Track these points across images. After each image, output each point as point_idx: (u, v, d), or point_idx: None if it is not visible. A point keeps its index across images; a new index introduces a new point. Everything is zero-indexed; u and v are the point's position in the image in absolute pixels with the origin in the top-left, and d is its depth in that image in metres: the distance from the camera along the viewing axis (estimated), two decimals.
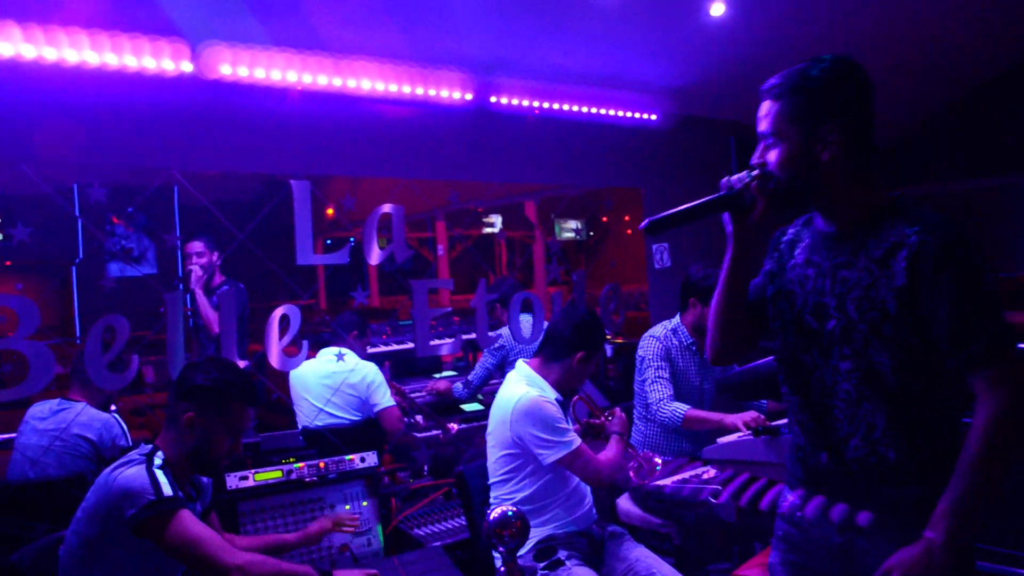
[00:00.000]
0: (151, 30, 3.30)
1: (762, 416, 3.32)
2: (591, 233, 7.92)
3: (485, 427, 3.01)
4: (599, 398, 4.06)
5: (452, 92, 4.16)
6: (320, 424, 4.02)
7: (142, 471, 2.16)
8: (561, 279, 5.18)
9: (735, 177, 1.72)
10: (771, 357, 2.58)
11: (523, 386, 2.88)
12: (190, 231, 4.62)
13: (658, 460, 3.07)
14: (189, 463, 2.31)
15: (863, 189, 1.69)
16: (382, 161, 4.21)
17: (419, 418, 4.48)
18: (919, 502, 1.59)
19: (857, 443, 1.68)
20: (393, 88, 3.96)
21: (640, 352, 3.73)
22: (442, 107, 4.21)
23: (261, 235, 3.84)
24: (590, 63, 4.66)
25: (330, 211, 5.77)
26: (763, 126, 1.72)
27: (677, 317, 3.78)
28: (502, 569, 1.83)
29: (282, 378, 4.23)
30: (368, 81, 3.86)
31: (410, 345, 4.68)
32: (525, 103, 4.51)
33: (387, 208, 3.85)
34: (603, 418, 3.02)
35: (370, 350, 4.81)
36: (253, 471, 2.99)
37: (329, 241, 8.11)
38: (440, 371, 5.35)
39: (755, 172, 1.71)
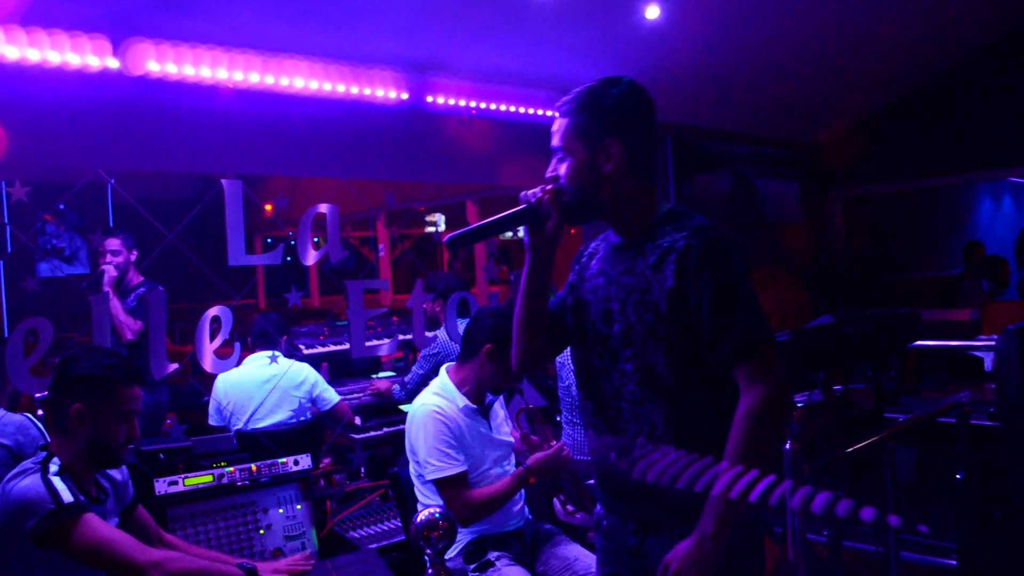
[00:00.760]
0: (71, 26, 3.20)
1: None
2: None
3: None
4: (537, 398, 4.08)
5: (387, 91, 4.13)
6: (259, 427, 3.97)
7: (37, 480, 2.09)
8: (500, 279, 5.19)
9: (531, 192, 1.80)
10: None
11: (428, 395, 2.88)
12: (124, 229, 4.48)
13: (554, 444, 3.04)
14: (88, 460, 2.24)
15: (642, 200, 1.81)
16: (316, 161, 4.16)
17: (357, 419, 4.45)
18: (701, 501, 1.67)
19: (642, 441, 1.77)
20: (327, 87, 3.91)
21: (559, 359, 3.75)
22: (377, 107, 4.17)
23: (194, 235, 3.76)
24: (526, 64, 4.68)
25: (269, 208, 5.69)
26: (555, 141, 1.83)
27: None
28: (430, 571, 1.82)
29: (211, 381, 4.15)
30: (301, 79, 3.81)
31: (347, 346, 4.64)
32: (461, 103, 4.50)
33: (322, 208, 3.82)
34: (539, 441, 2.98)
35: (306, 351, 4.76)
36: (183, 476, 2.93)
37: (269, 240, 7.99)
38: (378, 372, 5.31)
39: (548, 186, 1.80)
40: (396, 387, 4.70)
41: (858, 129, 7.43)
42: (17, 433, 3.15)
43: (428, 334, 4.30)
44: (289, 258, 3.91)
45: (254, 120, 3.87)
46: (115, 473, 2.41)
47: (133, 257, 4.37)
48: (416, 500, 2.93)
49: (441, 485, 2.72)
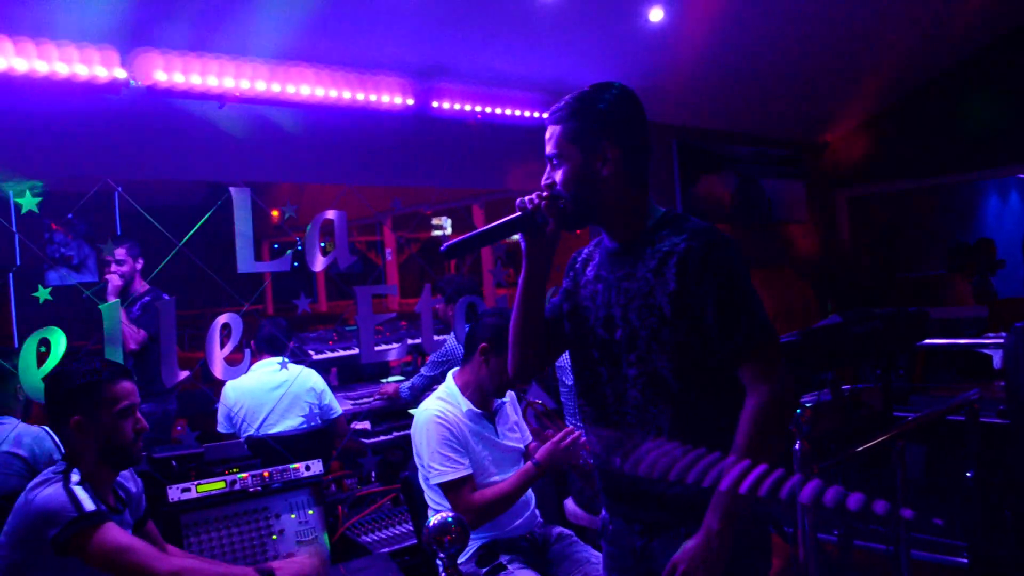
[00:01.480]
0: (80, 37, 3.23)
1: None
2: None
3: None
4: (545, 399, 4.09)
5: (393, 97, 4.14)
6: (270, 432, 3.99)
7: (60, 489, 2.12)
8: (507, 282, 5.20)
9: (527, 198, 1.81)
10: None
11: (433, 400, 2.90)
12: (133, 238, 4.50)
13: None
14: (106, 466, 2.27)
15: (639, 204, 1.82)
16: (323, 167, 4.18)
17: (366, 424, 4.47)
18: (705, 500, 1.68)
19: (648, 446, 1.76)
20: (333, 94, 3.93)
21: (560, 362, 3.76)
22: (383, 113, 4.19)
23: (202, 242, 3.78)
24: (531, 68, 4.69)
25: (275, 214, 5.71)
26: (549, 148, 1.83)
27: None
28: (443, 575, 1.84)
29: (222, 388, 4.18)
30: (307, 87, 3.83)
31: (356, 351, 4.66)
32: (467, 108, 4.51)
33: (330, 214, 3.84)
34: (552, 433, 2.93)
35: (315, 356, 4.78)
36: (195, 482, 2.96)
37: (276, 246, 8.02)
38: (387, 376, 5.33)
39: (544, 193, 1.80)
40: (404, 387, 4.70)
41: (864, 128, 7.42)
42: (33, 444, 3.19)
43: (437, 338, 4.32)
44: (296, 264, 3.93)
45: (261, 128, 3.89)
46: (130, 485, 2.44)
47: (139, 266, 4.38)
48: (427, 505, 2.95)
49: (446, 488, 2.74)
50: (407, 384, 4.67)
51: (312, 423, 4.11)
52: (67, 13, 3.12)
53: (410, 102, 4.24)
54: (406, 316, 5.27)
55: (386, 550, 3.15)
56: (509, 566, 2.75)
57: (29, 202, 3.25)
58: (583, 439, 2.80)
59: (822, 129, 7.44)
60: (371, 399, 4.70)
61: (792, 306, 6.32)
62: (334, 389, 4.86)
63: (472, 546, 2.79)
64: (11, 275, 4.98)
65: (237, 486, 3.02)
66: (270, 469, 3.09)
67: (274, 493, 3.08)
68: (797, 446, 2.35)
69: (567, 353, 3.68)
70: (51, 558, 2.08)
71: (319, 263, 3.79)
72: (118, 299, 4.18)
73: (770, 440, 1.67)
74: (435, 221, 8.45)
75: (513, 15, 4.17)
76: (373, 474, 4.07)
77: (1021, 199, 10.41)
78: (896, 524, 2.85)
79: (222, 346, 3.53)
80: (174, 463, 3.49)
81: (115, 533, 2.11)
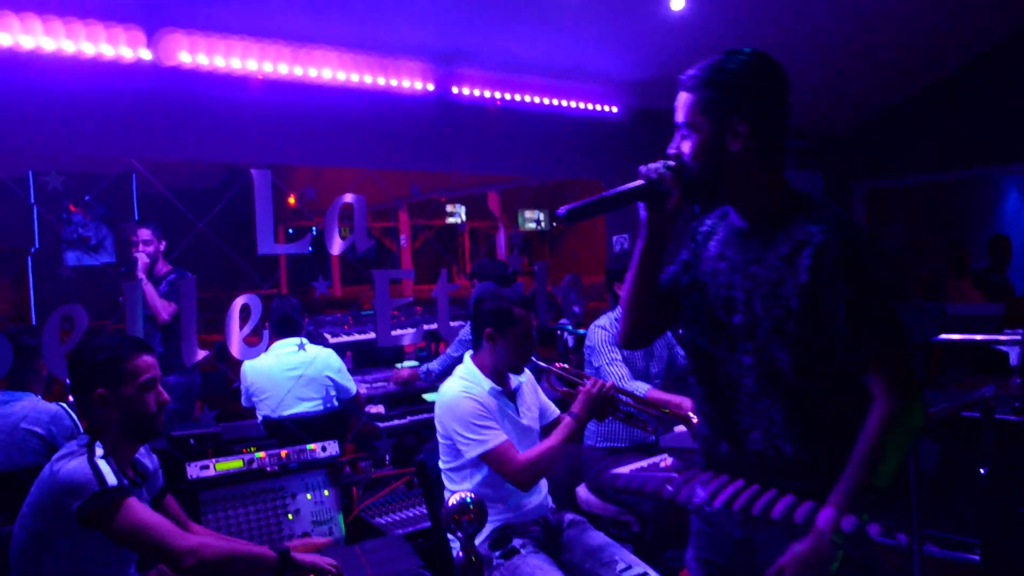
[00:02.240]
0: (107, 16, 3.25)
1: None
2: (554, 224, 7.96)
3: None
4: (559, 386, 4.11)
5: (413, 82, 4.16)
6: (286, 414, 4.02)
7: (84, 462, 2.15)
8: (523, 270, 5.22)
9: (652, 166, 1.74)
10: None
11: (455, 380, 2.91)
12: (150, 219, 4.56)
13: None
14: (128, 437, 2.29)
15: (771, 183, 1.72)
16: (343, 151, 4.20)
17: (381, 408, 4.50)
18: (813, 495, 1.60)
19: (757, 436, 1.71)
20: (354, 78, 3.95)
21: (589, 342, 3.79)
22: (403, 97, 4.21)
23: (222, 223, 3.82)
24: (551, 55, 4.69)
25: (292, 199, 5.74)
26: (679, 116, 1.73)
27: (619, 307, 3.85)
28: (460, 555, 1.86)
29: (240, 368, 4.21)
30: (329, 70, 3.85)
31: (372, 335, 4.68)
32: (487, 94, 4.52)
33: (348, 198, 3.85)
34: (577, 390, 2.89)
35: (332, 340, 4.81)
36: (214, 460, 3.00)
37: (291, 230, 8.04)
38: (402, 360, 5.36)
39: (670, 162, 1.73)
40: (423, 370, 4.71)
41: (882, 120, 7.37)
42: (51, 423, 3.22)
43: (453, 324, 4.34)
44: (311, 248, 3.95)
45: (283, 110, 3.92)
46: (146, 461, 2.47)
47: (162, 247, 4.45)
48: (443, 488, 2.97)
49: (489, 458, 2.73)
50: (432, 365, 4.64)
51: (328, 405, 4.14)
52: None
53: (430, 87, 4.25)
54: (420, 302, 5.30)
55: (400, 532, 3.17)
56: (522, 550, 2.77)
57: (54, 181, 3.28)
58: (610, 384, 2.84)
59: (841, 121, 7.40)
60: (386, 383, 4.72)
61: None
62: (350, 372, 4.90)
63: (486, 529, 2.81)
64: (30, 256, 5.04)
65: (255, 465, 3.05)
66: (287, 449, 3.13)
67: (291, 473, 3.12)
68: None
69: (596, 332, 3.74)
70: (73, 529, 2.11)
71: (337, 246, 3.82)
72: (142, 276, 4.24)
73: (895, 450, 1.59)
74: (449, 208, 8.45)
75: (534, 1, 4.16)
76: (387, 457, 4.10)
77: None
78: (909, 519, 2.86)
79: (241, 327, 3.56)
80: (192, 441, 3.54)
81: (137, 508, 2.14)
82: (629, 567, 2.71)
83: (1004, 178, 9.53)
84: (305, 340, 4.10)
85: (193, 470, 2.93)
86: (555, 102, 4.82)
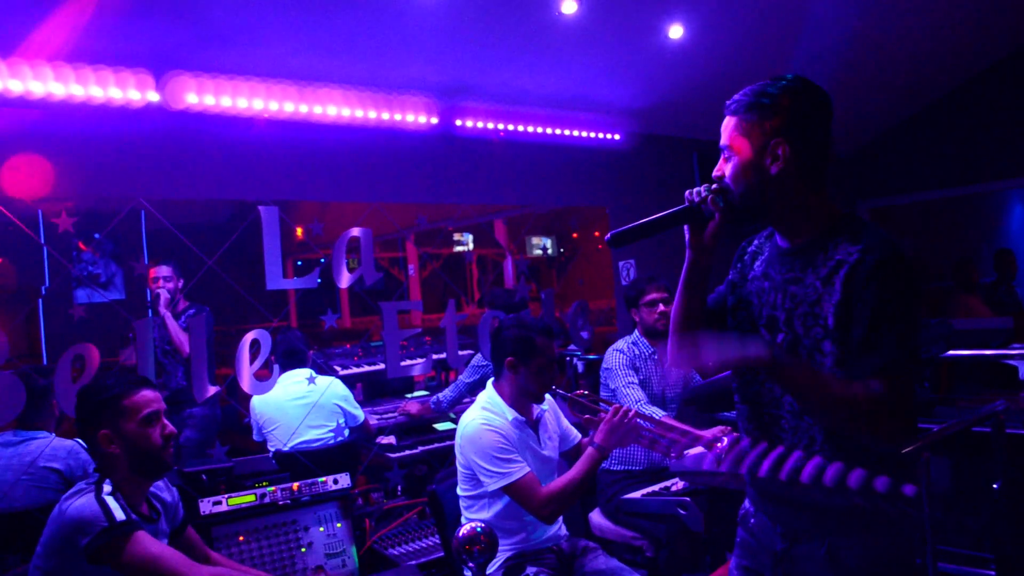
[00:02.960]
0: (115, 62, 3.33)
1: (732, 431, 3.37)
2: (561, 250, 8.00)
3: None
4: (568, 414, 4.12)
5: (417, 117, 4.22)
6: (296, 447, 4.04)
7: (91, 499, 2.17)
8: (530, 296, 5.24)
9: (695, 190, 1.77)
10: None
11: (477, 410, 2.92)
12: (158, 256, 4.63)
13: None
14: (138, 475, 2.31)
15: (813, 205, 1.74)
16: (350, 186, 4.26)
17: (392, 439, 4.51)
18: (854, 511, 1.65)
19: (800, 455, 1.71)
20: (359, 114, 4.01)
21: (606, 364, 3.81)
22: (408, 132, 4.27)
23: (230, 259, 3.86)
24: (553, 86, 4.76)
25: (299, 232, 5.79)
26: (723, 140, 1.78)
27: (636, 331, 3.87)
28: None
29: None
30: (334, 107, 3.91)
31: (381, 366, 4.71)
32: (490, 126, 4.58)
33: (355, 232, 3.90)
34: (599, 417, 2.83)
35: (341, 372, 4.83)
36: (226, 496, 3.01)
37: (300, 262, 8.09)
38: (412, 391, 5.37)
39: (713, 186, 1.76)
40: (434, 400, 4.71)
41: (885, 139, 7.41)
42: (68, 457, 3.26)
43: (462, 353, 4.36)
44: (320, 280, 3.99)
45: (289, 148, 3.98)
46: (165, 495, 2.49)
47: (180, 284, 4.51)
48: (456, 516, 2.98)
49: (512, 491, 2.74)
50: (444, 394, 4.65)
51: (339, 436, 4.15)
52: (105, 38, 3.22)
53: (434, 121, 4.32)
54: (429, 331, 5.32)
55: (413, 563, 3.18)
56: None
57: (64, 222, 3.34)
58: (632, 411, 2.79)
59: (843, 141, 7.43)
60: (395, 415, 4.74)
61: None
62: (360, 404, 4.92)
63: (500, 557, 2.82)
64: (41, 295, 5.09)
65: (267, 499, 3.07)
66: (299, 482, 3.14)
67: (303, 506, 3.13)
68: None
69: (614, 355, 3.76)
70: (84, 567, 2.13)
71: (345, 279, 3.86)
72: (165, 312, 4.31)
73: (835, 407, 1.60)
74: (456, 237, 8.50)
75: (535, 34, 4.23)
76: (399, 488, 4.11)
77: None
78: (922, 535, 2.84)
79: (251, 362, 3.59)
80: (204, 477, 3.56)
81: (146, 542, 2.16)
82: None
83: (1008, 193, 9.53)
84: (313, 373, 4.14)
85: (205, 506, 2.95)
86: (558, 131, 4.88)
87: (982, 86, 6.66)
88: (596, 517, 3.70)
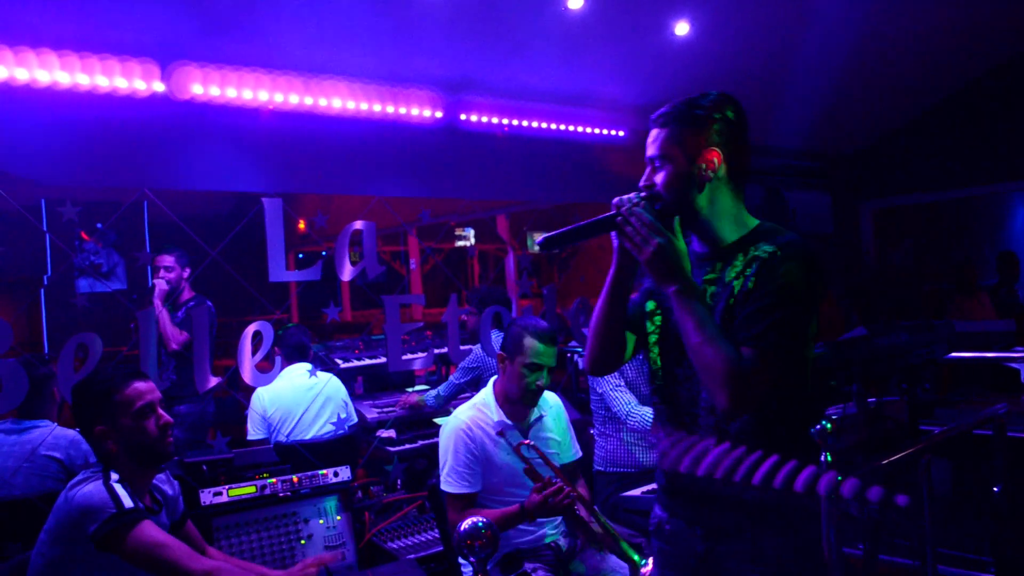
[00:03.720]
0: (122, 51, 3.32)
1: None
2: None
3: None
4: (570, 411, 4.12)
5: (422, 110, 4.22)
6: (306, 438, 4.04)
7: (100, 486, 2.18)
8: (532, 292, 5.24)
9: (625, 198, 1.82)
10: None
11: (465, 408, 2.96)
12: (161, 246, 4.62)
13: None
14: (139, 467, 2.31)
15: (735, 212, 1.83)
16: (353, 179, 4.26)
17: (392, 432, 4.51)
18: (774, 505, 1.69)
19: (724, 447, 1.76)
20: (364, 107, 4.01)
21: None
22: (412, 125, 4.26)
23: (233, 250, 3.86)
24: (558, 82, 4.75)
25: (301, 225, 5.79)
26: (651, 151, 1.83)
27: None
28: None
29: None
30: (339, 100, 3.91)
31: (382, 360, 4.71)
32: (495, 120, 4.58)
33: (359, 225, 3.89)
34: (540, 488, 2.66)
35: (343, 365, 4.84)
36: (227, 487, 3.01)
37: (301, 255, 8.11)
38: (412, 385, 5.38)
39: (643, 193, 1.82)
40: (430, 396, 4.75)
41: (889, 140, 7.40)
42: (69, 447, 3.27)
43: (463, 347, 4.36)
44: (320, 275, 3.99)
45: (294, 140, 3.97)
46: (166, 487, 2.49)
47: (186, 274, 4.50)
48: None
49: (447, 498, 2.81)
50: (434, 393, 4.71)
51: (340, 431, 4.16)
52: (111, 27, 3.22)
53: (439, 115, 4.31)
54: (430, 326, 5.33)
55: (412, 556, 3.18)
56: (533, 574, 2.78)
57: (69, 212, 3.34)
58: (570, 498, 2.65)
59: (848, 141, 7.42)
60: (395, 408, 4.75)
61: (818, 318, 6.30)
62: (361, 397, 4.93)
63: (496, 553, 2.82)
64: (43, 285, 5.10)
65: (267, 491, 3.07)
66: (299, 475, 3.14)
67: (303, 498, 3.13)
68: (823, 457, 2.36)
69: None
70: (89, 554, 2.13)
71: (348, 272, 3.85)
72: (158, 303, 4.30)
73: (713, 363, 1.66)
74: (458, 231, 8.52)
75: (540, 29, 4.22)
76: (399, 482, 4.11)
77: None
78: (922, 539, 2.85)
79: (253, 354, 3.59)
80: (204, 467, 3.56)
81: (152, 531, 2.16)
82: None
83: (1012, 195, 9.53)
84: (315, 367, 4.15)
85: (206, 496, 2.95)
86: (563, 127, 4.87)
87: (986, 88, 6.65)
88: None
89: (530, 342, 2.85)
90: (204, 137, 3.77)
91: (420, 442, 4.54)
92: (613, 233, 1.86)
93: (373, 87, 4.04)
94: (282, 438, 4.09)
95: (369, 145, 4.24)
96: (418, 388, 5.20)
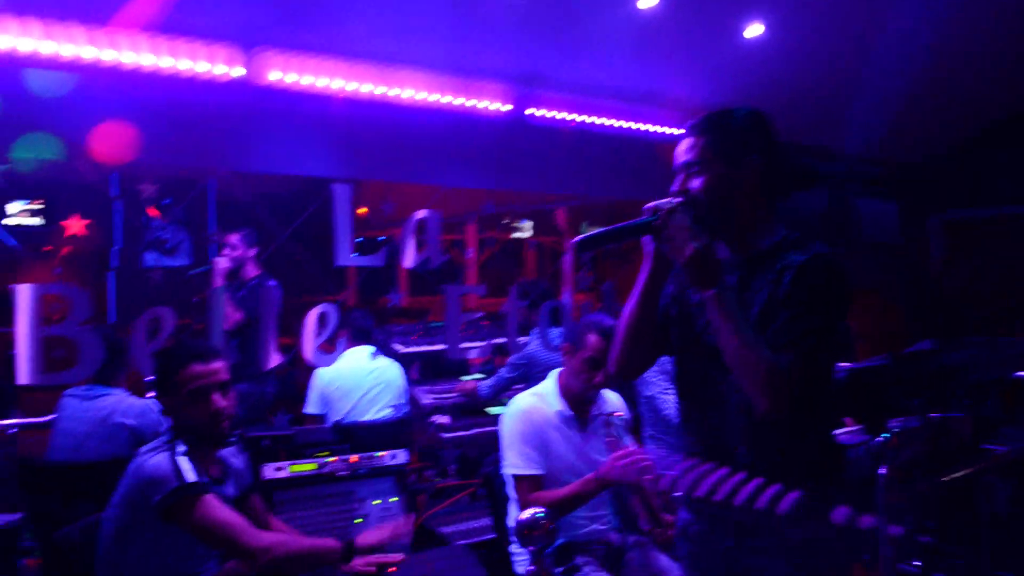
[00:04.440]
0: (206, 35, 3.42)
1: None
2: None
3: None
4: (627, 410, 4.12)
5: (491, 103, 4.25)
6: (364, 419, 4.12)
7: (166, 458, 2.24)
8: (590, 287, 5.25)
9: (662, 202, 1.82)
10: None
11: (526, 395, 2.98)
12: (229, 225, 4.72)
13: None
14: (201, 443, 2.35)
15: (768, 221, 1.87)
16: (421, 168, 4.32)
17: (447, 418, 4.57)
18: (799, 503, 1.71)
19: (743, 451, 1.81)
20: (434, 97, 4.05)
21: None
22: (480, 117, 4.30)
23: (300, 233, 3.94)
24: (625, 79, 4.74)
25: (361, 211, 5.87)
26: (687, 157, 1.87)
27: None
28: (532, 568, 1.90)
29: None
30: (410, 90, 3.96)
31: (439, 347, 4.77)
32: (561, 115, 4.59)
33: (424, 213, 3.94)
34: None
35: (402, 349, 4.91)
36: (288, 463, 3.10)
37: (360, 239, 8.22)
38: (468, 373, 5.43)
39: (679, 199, 1.82)
40: (483, 386, 4.77)
41: (963, 148, 7.18)
42: (139, 416, 3.38)
43: (521, 339, 4.39)
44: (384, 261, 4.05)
45: (365, 127, 4.04)
46: (234, 460, 2.56)
47: (251, 253, 4.58)
48: (508, 499, 3.01)
49: (515, 480, 2.81)
50: (487, 383, 4.73)
51: (399, 415, 4.23)
52: (198, 12, 3.31)
53: (507, 108, 4.34)
54: (487, 316, 5.37)
55: (463, 542, 3.23)
56: (584, 568, 2.80)
57: (148, 190, 3.45)
58: (647, 462, 2.64)
59: (919, 148, 7.24)
60: (452, 394, 4.80)
61: (880, 329, 6.18)
62: (417, 383, 4.99)
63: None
64: (112, 255, 5.27)
65: (327, 469, 3.15)
66: (358, 455, 3.21)
67: (360, 478, 3.20)
68: (883, 470, 2.33)
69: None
70: (154, 522, 2.20)
71: (412, 260, 3.90)
72: (223, 285, 4.39)
73: (740, 352, 1.70)
74: (516, 224, 8.54)
75: (610, 27, 4.22)
76: (453, 468, 4.16)
77: None
78: (978, 561, 2.80)
79: (317, 334, 3.66)
80: (264, 443, 3.65)
81: (214, 505, 2.22)
82: None
83: None
84: (374, 348, 4.22)
85: (269, 471, 3.04)
86: (628, 125, 4.86)
87: None
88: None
89: (592, 338, 2.87)
90: (278, 122, 3.86)
91: (475, 430, 4.59)
92: (646, 237, 1.87)
93: (444, 78, 4.08)
94: (340, 416, 4.16)
95: (437, 135, 4.29)
96: (474, 376, 5.25)
